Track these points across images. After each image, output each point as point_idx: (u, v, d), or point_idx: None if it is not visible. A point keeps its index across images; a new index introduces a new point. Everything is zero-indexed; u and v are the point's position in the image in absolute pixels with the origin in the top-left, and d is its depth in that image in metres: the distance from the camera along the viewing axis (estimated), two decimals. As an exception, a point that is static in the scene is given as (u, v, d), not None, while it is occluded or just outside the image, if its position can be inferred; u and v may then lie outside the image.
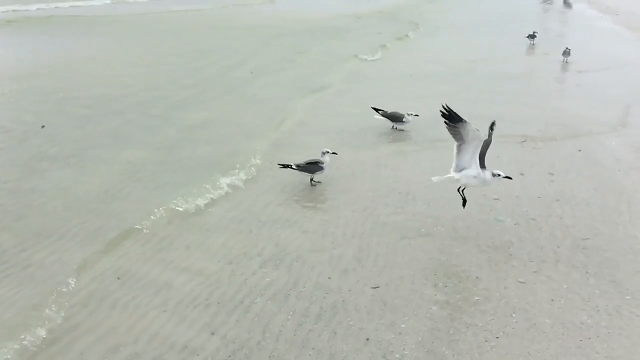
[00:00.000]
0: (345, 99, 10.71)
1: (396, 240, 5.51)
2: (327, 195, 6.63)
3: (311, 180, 6.95)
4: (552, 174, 7.05)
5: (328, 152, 6.87)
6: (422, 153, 7.89)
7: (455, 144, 5.57)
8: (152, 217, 5.98)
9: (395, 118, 8.64)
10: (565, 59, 13.46)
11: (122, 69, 13.57)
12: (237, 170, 7.20)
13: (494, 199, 6.42)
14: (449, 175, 5.72)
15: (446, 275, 4.96)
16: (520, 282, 4.85)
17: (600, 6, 25.88)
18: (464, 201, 5.83)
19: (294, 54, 15.39)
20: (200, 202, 6.37)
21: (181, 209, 6.18)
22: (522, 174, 7.05)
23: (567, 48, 13.44)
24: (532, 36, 16.23)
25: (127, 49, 16.53)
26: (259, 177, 7.11)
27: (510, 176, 5.76)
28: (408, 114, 8.64)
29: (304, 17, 24.18)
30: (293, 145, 8.13)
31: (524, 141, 8.04)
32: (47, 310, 4.51)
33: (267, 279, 4.93)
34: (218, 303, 4.63)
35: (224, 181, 6.87)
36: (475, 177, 5.60)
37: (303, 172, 6.87)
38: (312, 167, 6.83)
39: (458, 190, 5.84)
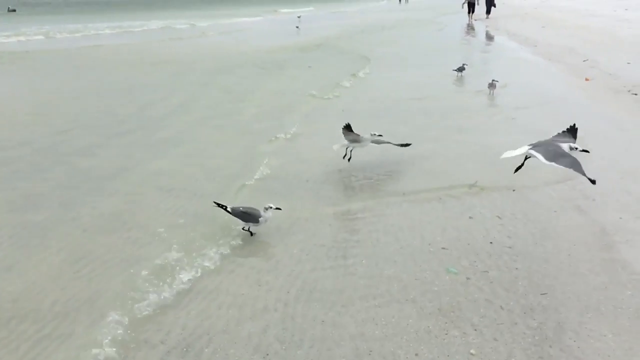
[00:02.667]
0: (308, 143, 9.67)
1: (324, 312, 4.68)
2: (246, 257, 5.73)
3: (243, 228, 6.09)
4: (500, 217, 6.46)
5: (271, 207, 6.00)
6: (373, 209, 7.13)
7: None
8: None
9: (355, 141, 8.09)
10: (492, 91, 13.23)
11: (31, 111, 12.34)
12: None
13: (442, 248, 5.75)
14: (522, 150, 5.54)
15: (381, 354, 4.17)
16: (472, 355, 4.15)
17: (519, 38, 26.46)
18: (521, 166, 5.94)
19: (243, 93, 14.30)
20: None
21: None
22: (470, 217, 6.46)
23: (493, 80, 13.21)
24: (461, 69, 16.01)
25: (38, 88, 15.26)
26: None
27: (588, 149, 5.45)
28: (372, 134, 8.08)
29: (241, 50, 23.58)
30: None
31: (475, 184, 7.45)
32: None
33: (171, 375, 3.99)
34: (105, 414, 3.66)
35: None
36: None
37: (237, 219, 6.00)
38: (247, 216, 5.95)
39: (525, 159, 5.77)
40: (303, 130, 10.42)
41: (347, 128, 7.97)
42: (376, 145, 8.29)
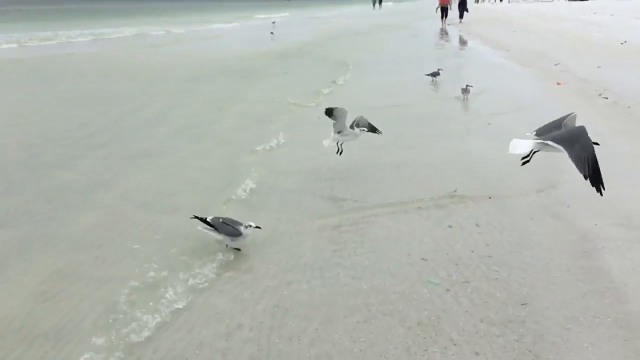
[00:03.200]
0: (289, 153, 9.44)
1: (300, 330, 4.52)
2: (222, 273, 5.51)
3: (227, 245, 5.87)
4: (478, 225, 6.39)
5: (251, 226, 5.80)
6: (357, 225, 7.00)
7: None
8: None
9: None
10: (466, 96, 13.22)
11: (2, 123, 11.96)
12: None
13: (421, 258, 5.64)
14: (530, 144, 5.39)
15: (360, 373, 4.05)
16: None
17: (491, 42, 26.78)
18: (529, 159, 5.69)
19: (221, 101, 13.95)
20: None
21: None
22: (450, 226, 6.37)
23: (467, 85, 13.22)
24: (435, 74, 15.96)
25: (10, 99, 14.86)
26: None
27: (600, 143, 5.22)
28: (361, 129, 8.00)
29: (217, 57, 23.45)
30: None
31: (455, 192, 7.37)
32: None
33: (141, 403, 3.80)
34: None
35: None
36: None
37: (216, 233, 5.75)
38: (228, 228, 5.70)
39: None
40: (284, 140, 10.19)
41: (329, 113, 7.83)
42: (367, 132, 8.16)
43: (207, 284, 5.30)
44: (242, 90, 15.70)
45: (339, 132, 7.97)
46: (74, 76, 19.01)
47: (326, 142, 8.11)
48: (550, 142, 5.19)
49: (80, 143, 10.30)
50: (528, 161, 5.86)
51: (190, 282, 5.29)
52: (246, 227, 5.79)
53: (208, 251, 5.89)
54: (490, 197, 7.20)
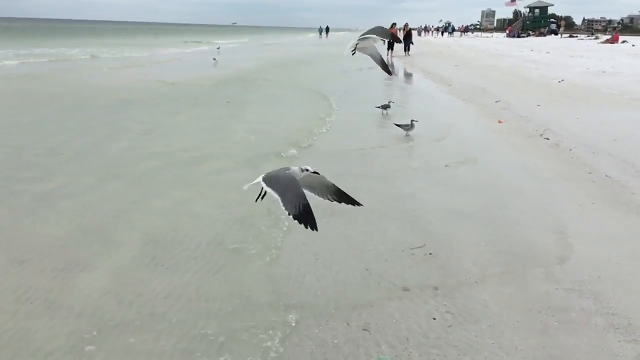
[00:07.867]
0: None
1: None
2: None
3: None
4: (436, 288, 5.52)
5: (308, 170, 4.42)
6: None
7: None
8: None
9: None
10: (407, 133, 12.46)
11: None
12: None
13: (363, 329, 4.69)
14: None
15: None
16: None
17: (434, 76, 26.57)
18: None
19: (201, 142, 11.59)
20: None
21: None
22: (406, 290, 5.44)
23: (412, 120, 12.45)
24: (385, 106, 15.26)
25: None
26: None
27: None
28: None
29: (179, 80, 22.32)
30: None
31: (422, 246, 6.47)
32: None
33: None
34: None
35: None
36: None
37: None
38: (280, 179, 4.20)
39: None
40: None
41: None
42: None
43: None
44: (232, 124, 13.65)
45: (360, 39, 7.08)
46: (25, 104, 17.06)
47: (347, 47, 7.17)
48: None
49: (28, 191, 8.60)
50: None
51: None
52: (302, 170, 4.42)
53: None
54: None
